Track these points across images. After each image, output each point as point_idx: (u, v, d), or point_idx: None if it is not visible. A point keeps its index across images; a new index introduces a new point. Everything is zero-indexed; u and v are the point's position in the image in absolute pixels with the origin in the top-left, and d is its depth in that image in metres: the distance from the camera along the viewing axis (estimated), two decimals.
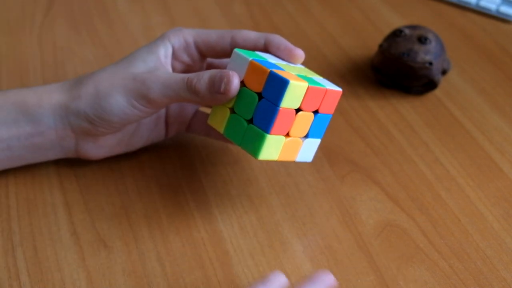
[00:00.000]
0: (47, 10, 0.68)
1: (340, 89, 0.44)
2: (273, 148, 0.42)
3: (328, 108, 0.44)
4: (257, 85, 0.41)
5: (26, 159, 0.47)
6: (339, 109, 0.57)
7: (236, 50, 0.42)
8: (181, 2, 0.70)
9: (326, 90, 0.43)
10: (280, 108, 0.40)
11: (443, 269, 0.44)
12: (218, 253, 0.44)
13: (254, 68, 0.41)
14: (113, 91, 0.44)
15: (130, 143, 0.49)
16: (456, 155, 0.53)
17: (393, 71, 0.57)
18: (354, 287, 0.42)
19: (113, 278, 0.42)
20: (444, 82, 0.61)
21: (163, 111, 0.50)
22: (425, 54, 0.56)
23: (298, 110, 0.42)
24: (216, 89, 0.41)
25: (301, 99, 0.41)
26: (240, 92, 0.42)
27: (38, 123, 0.45)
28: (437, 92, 0.59)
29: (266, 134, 0.41)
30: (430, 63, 0.56)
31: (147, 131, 0.49)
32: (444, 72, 0.58)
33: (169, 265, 0.43)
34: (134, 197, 0.48)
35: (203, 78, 0.42)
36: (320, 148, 0.52)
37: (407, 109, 0.57)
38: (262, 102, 0.41)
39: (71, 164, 0.49)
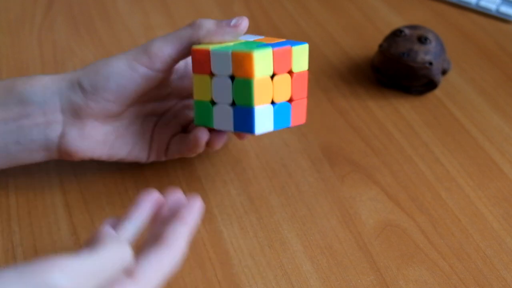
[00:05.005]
0: (47, 10, 0.68)
1: (305, 44, 0.44)
2: (265, 119, 0.42)
3: (301, 64, 0.44)
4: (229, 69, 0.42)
5: (9, 150, 0.44)
6: (339, 109, 0.57)
7: (196, 47, 0.43)
8: (181, 2, 0.70)
9: (291, 48, 0.43)
10: (255, 79, 0.40)
11: (443, 269, 0.44)
12: (218, 253, 0.44)
13: (200, 54, 0.43)
14: (113, 59, 0.44)
15: (114, 146, 0.47)
16: (456, 155, 0.53)
17: (393, 71, 0.57)
18: (354, 287, 0.42)
19: None
20: (444, 82, 0.61)
21: (148, 132, 0.48)
22: (425, 54, 0.56)
23: (273, 76, 0.42)
24: (226, 23, 0.44)
25: (272, 65, 0.41)
26: (213, 82, 0.42)
27: (27, 103, 0.44)
28: (437, 92, 0.59)
29: (252, 107, 0.41)
30: (430, 63, 0.56)
31: (132, 137, 0.47)
32: (444, 72, 0.58)
33: None
34: (134, 197, 0.48)
35: (208, 19, 0.45)
36: (320, 148, 0.52)
37: (407, 109, 0.57)
38: (236, 81, 0.41)
39: (71, 164, 0.49)
